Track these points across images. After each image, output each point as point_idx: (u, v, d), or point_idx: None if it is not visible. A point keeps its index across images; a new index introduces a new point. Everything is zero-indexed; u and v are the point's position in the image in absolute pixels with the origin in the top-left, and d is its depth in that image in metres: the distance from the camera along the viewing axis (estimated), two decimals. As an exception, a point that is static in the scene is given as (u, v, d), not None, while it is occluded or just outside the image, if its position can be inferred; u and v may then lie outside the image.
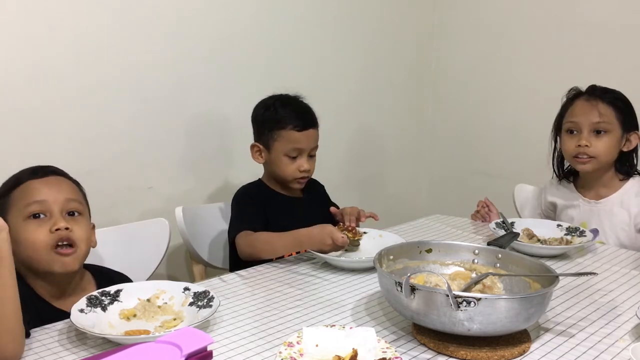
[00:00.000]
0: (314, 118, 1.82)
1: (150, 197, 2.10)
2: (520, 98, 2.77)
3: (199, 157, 2.23)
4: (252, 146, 1.83)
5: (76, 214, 1.36)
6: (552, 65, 2.62)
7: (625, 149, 1.88)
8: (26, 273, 1.33)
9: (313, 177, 1.88)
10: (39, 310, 1.28)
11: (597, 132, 1.85)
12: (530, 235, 1.79)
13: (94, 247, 1.41)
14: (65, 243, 1.31)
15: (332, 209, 1.89)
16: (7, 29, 1.73)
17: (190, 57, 2.14)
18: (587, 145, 1.85)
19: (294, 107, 1.81)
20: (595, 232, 1.88)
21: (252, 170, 1.94)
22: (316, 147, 1.82)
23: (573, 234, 1.78)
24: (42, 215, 1.30)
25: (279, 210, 1.80)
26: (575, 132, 1.89)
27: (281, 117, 1.78)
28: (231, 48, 2.27)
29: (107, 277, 1.45)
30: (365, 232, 1.73)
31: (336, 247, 1.55)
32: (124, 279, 1.48)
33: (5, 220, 1.25)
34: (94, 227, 1.43)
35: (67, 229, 1.30)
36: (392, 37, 2.87)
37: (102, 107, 1.95)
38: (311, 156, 1.81)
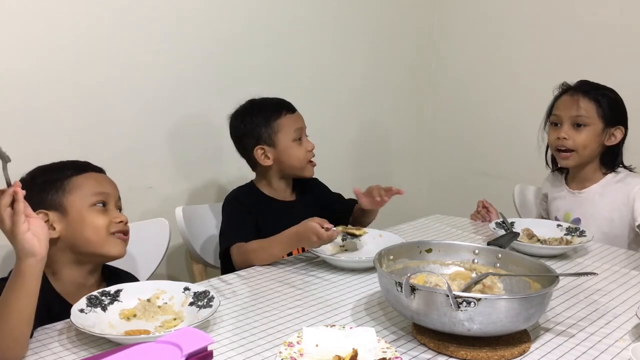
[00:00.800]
0: None
1: (150, 197, 2.09)
2: (520, 98, 2.76)
3: (199, 157, 2.23)
4: (256, 150, 1.78)
5: (121, 211, 1.45)
6: (552, 65, 2.62)
7: (608, 143, 1.91)
8: (59, 263, 1.35)
9: None
10: (53, 307, 1.28)
11: (578, 126, 1.89)
12: (530, 235, 1.79)
13: None
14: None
15: (356, 189, 1.78)
16: (7, 29, 1.73)
17: (190, 57, 2.14)
18: (565, 138, 1.90)
19: (271, 100, 1.83)
20: (577, 221, 1.93)
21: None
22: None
23: (573, 234, 1.78)
24: (103, 206, 1.38)
25: (273, 215, 1.78)
26: (558, 125, 1.94)
27: (271, 111, 1.78)
28: (231, 48, 2.26)
29: (118, 276, 1.47)
30: (365, 232, 1.73)
31: (324, 242, 1.53)
32: (132, 278, 1.50)
33: (62, 201, 1.34)
34: None
35: (125, 223, 1.41)
36: (392, 37, 2.87)
37: (102, 107, 1.95)
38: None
